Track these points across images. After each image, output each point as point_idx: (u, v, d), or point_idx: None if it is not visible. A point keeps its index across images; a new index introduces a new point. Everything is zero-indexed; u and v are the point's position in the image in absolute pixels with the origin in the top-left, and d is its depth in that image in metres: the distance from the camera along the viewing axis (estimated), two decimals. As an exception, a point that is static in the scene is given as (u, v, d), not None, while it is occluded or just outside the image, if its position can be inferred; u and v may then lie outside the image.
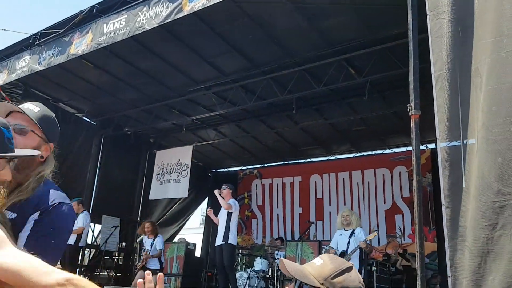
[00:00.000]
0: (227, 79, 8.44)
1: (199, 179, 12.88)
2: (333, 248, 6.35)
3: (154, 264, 8.27)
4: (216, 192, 7.15)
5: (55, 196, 1.51)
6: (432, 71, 4.09)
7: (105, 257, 9.70)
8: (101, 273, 9.21)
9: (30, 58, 7.68)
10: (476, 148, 3.67)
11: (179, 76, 8.40)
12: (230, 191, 7.23)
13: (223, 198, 7.06)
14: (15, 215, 1.42)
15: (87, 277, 8.25)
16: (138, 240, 8.43)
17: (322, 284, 1.31)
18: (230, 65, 8.02)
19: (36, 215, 1.43)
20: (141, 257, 8.36)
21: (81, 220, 8.26)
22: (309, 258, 7.15)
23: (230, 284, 7.05)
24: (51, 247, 1.45)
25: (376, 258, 8.22)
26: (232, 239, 6.89)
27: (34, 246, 1.35)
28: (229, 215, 7.00)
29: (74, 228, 8.49)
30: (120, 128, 10.71)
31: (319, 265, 1.36)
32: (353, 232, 6.27)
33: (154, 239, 8.42)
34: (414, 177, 3.90)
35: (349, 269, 1.37)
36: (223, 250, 6.89)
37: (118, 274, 10.41)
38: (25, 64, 7.73)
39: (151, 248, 8.32)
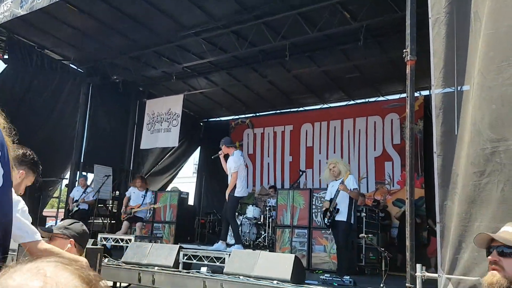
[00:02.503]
0: (218, 24, 8.14)
1: (190, 129, 12.81)
2: (327, 200, 6.31)
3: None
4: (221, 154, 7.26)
5: None
6: (429, 15, 3.93)
7: (99, 205, 9.80)
8: (95, 221, 9.35)
9: (12, 2, 7.32)
10: (471, 95, 3.60)
11: (167, 21, 8.08)
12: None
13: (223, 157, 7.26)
14: None
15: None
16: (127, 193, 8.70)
17: None
18: (221, 9, 7.71)
19: None
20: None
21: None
22: (300, 206, 7.24)
23: (233, 232, 7.17)
24: None
25: (366, 204, 8.38)
26: (238, 192, 6.88)
27: None
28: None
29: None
30: (108, 76, 10.40)
31: None
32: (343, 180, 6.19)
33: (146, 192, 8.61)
34: (407, 125, 3.86)
35: None
36: (227, 200, 6.98)
37: (112, 222, 10.58)
38: (6, 9, 7.38)
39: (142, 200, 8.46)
